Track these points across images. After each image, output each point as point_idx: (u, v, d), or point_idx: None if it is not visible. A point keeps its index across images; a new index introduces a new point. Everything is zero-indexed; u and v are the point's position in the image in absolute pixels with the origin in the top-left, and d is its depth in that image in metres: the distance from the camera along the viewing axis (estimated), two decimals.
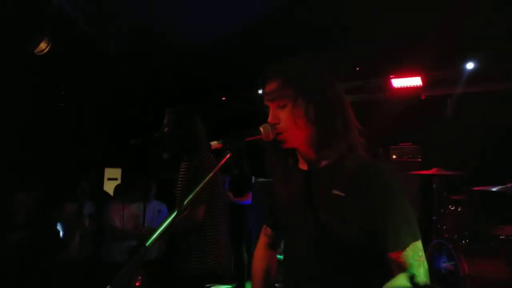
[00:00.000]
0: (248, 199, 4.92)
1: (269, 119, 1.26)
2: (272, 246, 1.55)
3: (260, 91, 5.88)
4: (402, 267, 1.12)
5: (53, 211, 4.20)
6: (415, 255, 1.13)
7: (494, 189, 3.67)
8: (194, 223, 2.42)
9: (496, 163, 4.35)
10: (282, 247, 1.46)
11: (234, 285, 4.89)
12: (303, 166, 1.32)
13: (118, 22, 4.35)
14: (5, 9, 3.67)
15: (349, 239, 1.15)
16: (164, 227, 1.03)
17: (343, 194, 1.16)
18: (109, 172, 6.85)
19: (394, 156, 5.05)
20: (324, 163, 1.24)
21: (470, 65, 4.76)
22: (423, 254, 1.15)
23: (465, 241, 3.98)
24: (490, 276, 3.46)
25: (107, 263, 3.73)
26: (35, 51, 3.93)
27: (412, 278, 1.12)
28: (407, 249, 1.12)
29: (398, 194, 1.15)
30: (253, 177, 5.53)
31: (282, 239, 1.46)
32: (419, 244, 1.15)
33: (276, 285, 1.45)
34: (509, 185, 3.62)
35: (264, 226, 1.56)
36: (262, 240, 1.57)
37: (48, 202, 4.24)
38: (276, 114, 1.25)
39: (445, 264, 3.86)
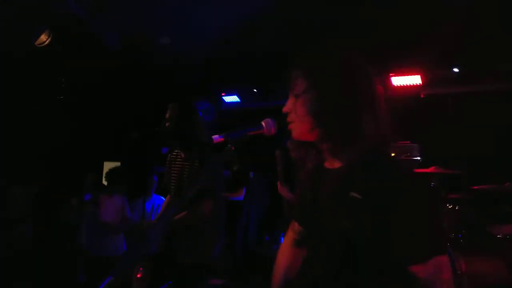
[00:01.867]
0: (240, 195, 4.91)
1: (284, 108, 1.25)
2: (299, 243, 1.46)
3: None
4: (421, 285, 1.01)
5: (59, 205, 4.20)
6: (438, 271, 1.01)
7: (492, 188, 3.68)
8: (201, 218, 2.44)
9: (495, 162, 4.36)
10: None
11: (232, 279, 4.90)
12: (327, 164, 1.29)
13: (119, 17, 4.34)
14: (6, 2, 3.66)
15: (365, 244, 1.06)
16: (166, 220, 1.04)
17: (359, 197, 1.08)
18: (108, 166, 6.84)
19: (392, 154, 5.04)
20: (343, 162, 1.20)
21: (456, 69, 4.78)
22: (449, 271, 1.03)
23: (463, 239, 3.99)
24: (488, 274, 3.48)
25: (97, 256, 3.75)
26: (36, 44, 3.92)
27: None
28: (429, 263, 1.01)
29: (422, 200, 1.06)
30: (251, 172, 5.53)
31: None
32: (444, 259, 1.03)
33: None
34: (508, 184, 3.63)
35: (292, 221, 1.48)
36: (289, 236, 1.49)
37: (49, 196, 4.26)
38: (289, 103, 1.24)
39: None
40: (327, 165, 1.28)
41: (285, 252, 1.48)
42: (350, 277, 1.11)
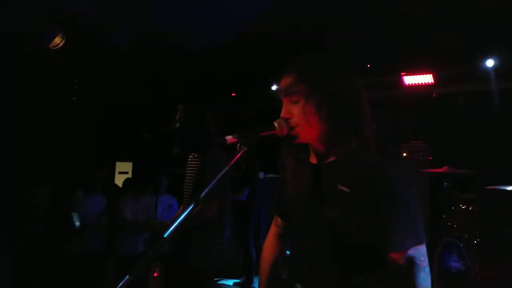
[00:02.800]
0: (242, 196, 4.91)
1: (282, 114, 1.26)
2: (282, 237, 1.55)
3: (273, 88, 5.93)
4: (401, 269, 1.11)
5: (66, 200, 4.24)
6: (417, 258, 1.11)
7: (507, 188, 3.63)
8: (207, 219, 2.45)
9: (508, 161, 4.30)
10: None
11: (242, 279, 4.92)
12: (313, 160, 1.32)
13: (129, 18, 4.38)
14: (19, 4, 3.71)
15: (352, 235, 1.14)
16: (181, 220, 1.05)
17: (348, 190, 1.15)
18: (120, 166, 6.92)
19: (404, 154, 5.02)
20: (332, 158, 1.25)
21: (490, 63, 4.67)
22: (426, 259, 1.13)
23: (476, 240, 3.94)
24: (502, 276, 3.43)
25: (120, 255, 3.78)
26: (50, 46, 3.98)
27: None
28: (409, 251, 1.11)
29: (404, 194, 1.14)
30: (262, 173, 5.53)
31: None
32: (422, 248, 1.13)
33: (283, 277, 1.45)
34: None
35: (275, 216, 1.56)
36: (272, 230, 1.56)
37: (62, 196, 4.31)
38: (288, 109, 1.25)
39: (455, 263, 3.83)
40: (312, 160, 1.31)
41: (269, 246, 1.55)
42: (336, 266, 1.19)
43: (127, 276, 0.93)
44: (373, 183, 1.13)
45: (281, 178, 1.44)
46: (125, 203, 3.95)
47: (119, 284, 0.91)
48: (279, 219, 1.54)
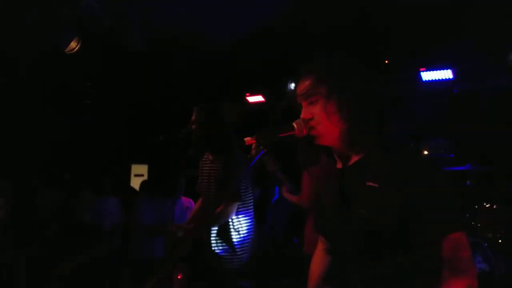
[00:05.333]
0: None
1: (302, 115, 1.25)
2: (330, 251, 1.53)
3: (292, 86, 5.89)
4: (441, 259, 1.08)
5: (73, 200, 4.28)
6: (456, 248, 1.08)
7: None
8: (226, 219, 2.44)
9: None
10: None
11: (259, 279, 4.88)
12: (339, 165, 1.32)
13: (144, 19, 4.39)
14: (35, 8, 3.76)
15: (387, 229, 1.13)
16: (207, 221, 1.04)
17: (377, 185, 1.15)
18: (136, 169, 6.97)
19: (425, 152, 4.91)
20: (355, 159, 1.24)
21: None
22: (468, 250, 1.09)
23: (502, 240, 3.83)
24: None
25: (137, 258, 3.79)
26: (66, 50, 4.02)
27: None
28: (447, 239, 1.08)
29: (438, 181, 1.14)
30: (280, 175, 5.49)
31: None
32: (462, 236, 1.09)
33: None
34: None
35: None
36: (320, 245, 1.55)
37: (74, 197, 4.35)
38: (309, 109, 1.25)
39: (479, 264, 3.72)
40: (338, 165, 1.31)
41: (317, 261, 1.54)
42: (375, 264, 1.17)
43: (153, 278, 0.92)
44: (402, 174, 1.12)
45: (316, 191, 1.44)
46: (141, 205, 3.95)
47: (145, 286, 0.92)
48: None
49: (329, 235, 1.37)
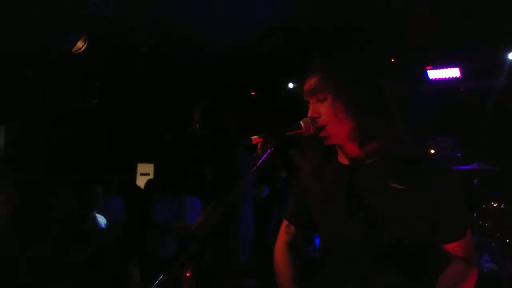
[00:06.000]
0: (262, 194, 4.87)
1: (309, 113, 1.23)
2: (293, 245, 1.46)
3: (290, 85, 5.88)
4: (459, 257, 1.17)
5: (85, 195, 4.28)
6: (470, 244, 1.19)
7: None
8: (232, 218, 2.44)
9: None
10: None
11: (261, 279, 4.89)
12: (343, 160, 1.28)
13: (150, 18, 4.40)
14: (41, 8, 3.78)
15: (407, 232, 1.15)
16: (212, 219, 1.05)
17: (402, 187, 1.15)
18: (142, 167, 7.00)
19: (432, 151, 4.88)
20: (371, 158, 1.22)
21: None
22: (473, 241, 1.22)
23: (509, 239, 3.80)
24: None
25: (147, 257, 3.80)
26: (73, 50, 4.04)
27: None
28: (464, 238, 1.17)
29: (459, 187, 1.19)
30: (284, 173, 5.50)
31: (309, 238, 1.44)
32: (470, 232, 1.20)
33: None
34: None
35: (286, 223, 1.46)
36: (282, 239, 1.47)
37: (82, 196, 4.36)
38: (316, 108, 1.22)
39: (487, 264, 3.70)
40: (342, 160, 1.29)
41: (281, 257, 1.47)
42: (386, 268, 1.17)
43: (161, 276, 0.93)
44: (426, 177, 1.15)
45: (303, 183, 1.39)
46: (148, 204, 3.96)
47: (153, 284, 0.92)
48: (292, 227, 1.45)
49: (331, 235, 1.31)
